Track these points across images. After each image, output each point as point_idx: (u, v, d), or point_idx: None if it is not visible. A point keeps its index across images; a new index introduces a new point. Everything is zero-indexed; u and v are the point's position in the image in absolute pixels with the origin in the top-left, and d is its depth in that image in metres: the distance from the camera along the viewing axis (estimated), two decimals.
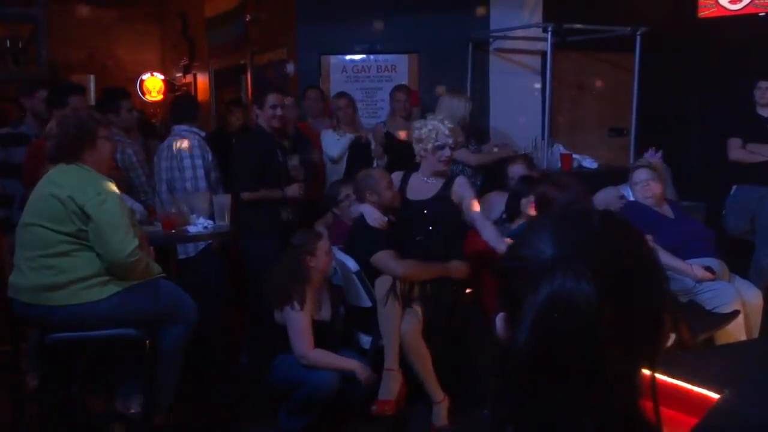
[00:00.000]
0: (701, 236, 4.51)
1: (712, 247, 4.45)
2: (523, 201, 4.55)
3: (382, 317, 3.82)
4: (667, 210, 4.64)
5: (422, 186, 4.25)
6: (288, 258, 3.79)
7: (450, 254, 4.10)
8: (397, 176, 4.36)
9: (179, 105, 5.46)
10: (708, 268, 4.21)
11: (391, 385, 3.72)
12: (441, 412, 3.85)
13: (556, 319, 0.86)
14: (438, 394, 3.86)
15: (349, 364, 3.68)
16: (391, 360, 3.76)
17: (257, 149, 4.74)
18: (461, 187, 4.20)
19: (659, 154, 5.23)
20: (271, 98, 4.77)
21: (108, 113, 4.69)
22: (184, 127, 5.10)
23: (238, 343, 4.94)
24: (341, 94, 5.77)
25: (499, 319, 0.97)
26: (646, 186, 4.63)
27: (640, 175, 4.70)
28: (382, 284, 3.86)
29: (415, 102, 6.04)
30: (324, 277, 3.91)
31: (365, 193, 4.19)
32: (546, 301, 0.87)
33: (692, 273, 4.17)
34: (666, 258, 4.16)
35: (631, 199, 4.92)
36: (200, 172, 4.93)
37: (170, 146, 5.01)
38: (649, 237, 4.38)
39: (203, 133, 5.21)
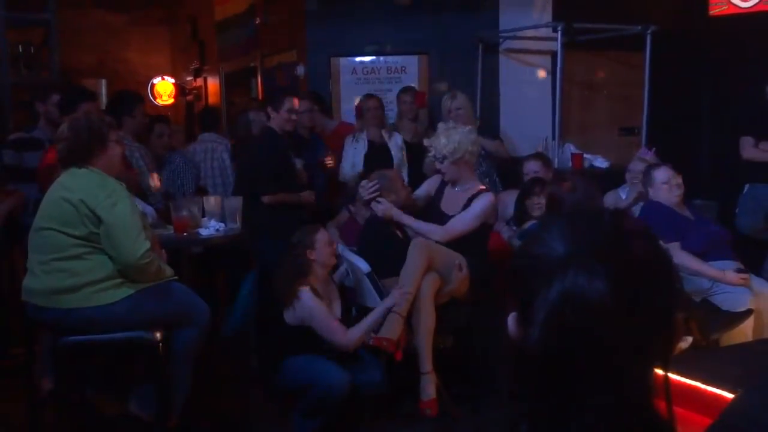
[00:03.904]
0: (722, 238, 4.40)
1: (731, 249, 4.40)
2: (528, 203, 4.55)
3: (405, 269, 3.83)
4: (686, 211, 4.46)
5: (452, 197, 4.27)
6: (289, 256, 3.78)
7: (471, 253, 4.10)
8: (435, 181, 4.39)
9: (207, 115, 6.47)
10: (741, 270, 4.17)
11: (394, 327, 3.71)
12: (429, 385, 3.79)
13: (569, 316, 0.86)
14: (428, 364, 3.81)
15: (380, 310, 3.76)
16: (401, 307, 3.76)
17: (274, 152, 4.74)
18: (476, 201, 4.19)
19: (652, 151, 5.19)
20: (288, 102, 4.78)
21: (123, 116, 4.72)
22: (213, 135, 5.94)
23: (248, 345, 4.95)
24: (370, 96, 5.76)
25: (511, 318, 0.97)
26: (676, 185, 4.36)
27: (663, 174, 4.40)
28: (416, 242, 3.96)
29: (422, 104, 6.03)
30: (328, 270, 3.90)
31: (382, 194, 4.20)
32: (559, 299, 0.87)
33: (727, 279, 4.11)
34: (697, 265, 4.10)
35: (623, 198, 4.88)
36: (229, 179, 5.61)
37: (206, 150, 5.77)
38: (676, 243, 4.32)
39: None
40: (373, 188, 4.22)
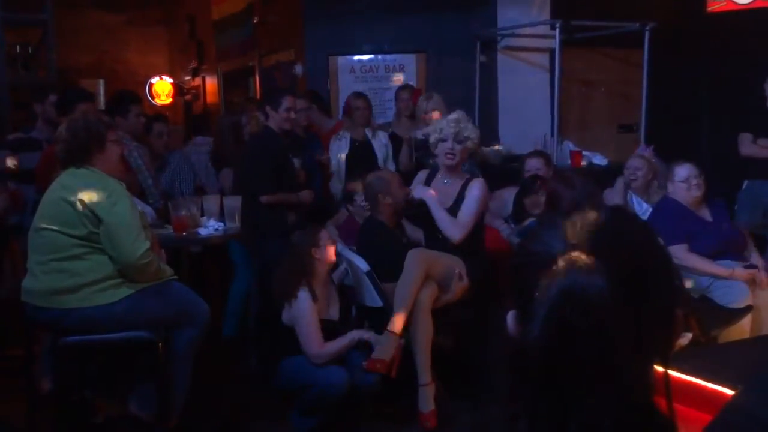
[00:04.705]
0: (735, 240, 4.33)
1: (743, 250, 4.35)
2: (527, 201, 4.55)
3: (401, 283, 3.80)
4: (704, 211, 4.35)
5: (442, 190, 4.23)
6: (292, 254, 3.79)
7: (470, 252, 4.09)
8: (422, 175, 4.36)
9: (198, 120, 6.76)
10: (749, 266, 4.16)
11: (388, 347, 3.68)
12: (427, 396, 3.79)
13: (569, 313, 0.86)
14: (427, 376, 3.80)
15: (350, 338, 3.69)
16: (395, 324, 3.73)
17: (272, 151, 4.74)
18: (471, 188, 4.18)
19: (651, 148, 5.19)
20: (287, 101, 4.78)
21: (116, 116, 4.71)
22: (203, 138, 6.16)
23: (246, 345, 4.94)
24: (359, 95, 5.77)
25: (510, 316, 0.97)
26: (695, 184, 4.24)
27: (684, 171, 4.28)
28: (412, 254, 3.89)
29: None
30: (329, 270, 3.90)
31: (378, 196, 4.19)
32: (558, 296, 0.87)
33: (736, 276, 4.10)
34: (704, 265, 4.10)
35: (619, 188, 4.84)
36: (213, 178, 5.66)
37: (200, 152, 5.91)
38: (683, 246, 4.26)
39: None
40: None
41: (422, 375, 3.80)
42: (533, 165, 4.98)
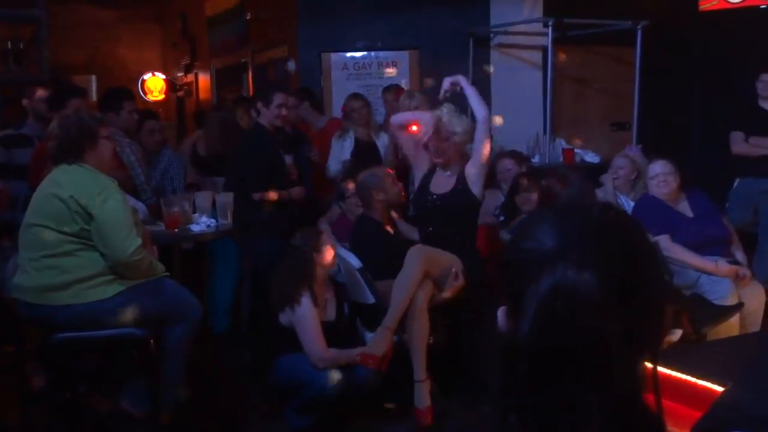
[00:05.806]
0: (718, 237, 4.35)
1: (727, 247, 4.37)
2: (518, 198, 4.56)
3: (400, 279, 3.80)
4: (684, 207, 4.41)
5: (443, 181, 4.24)
6: (292, 258, 3.78)
7: (463, 244, 4.10)
8: (423, 167, 4.36)
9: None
10: (734, 262, 4.17)
11: (381, 343, 3.69)
12: (423, 393, 3.79)
13: (559, 309, 0.86)
14: (423, 372, 3.81)
15: (355, 354, 3.67)
16: (391, 320, 3.73)
17: (264, 148, 4.73)
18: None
19: (638, 148, 5.21)
20: (278, 97, 4.77)
21: (109, 112, 4.70)
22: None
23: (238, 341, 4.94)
24: (356, 96, 5.71)
25: (501, 312, 0.98)
26: (663, 181, 4.34)
27: (656, 168, 4.40)
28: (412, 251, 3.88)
29: None
30: (328, 272, 3.90)
31: (372, 193, 4.18)
32: (549, 292, 0.87)
33: (719, 271, 4.12)
34: (689, 257, 4.12)
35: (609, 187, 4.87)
36: None
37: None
38: (666, 236, 4.27)
39: None
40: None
41: (418, 371, 3.81)
42: (506, 166, 5.05)
